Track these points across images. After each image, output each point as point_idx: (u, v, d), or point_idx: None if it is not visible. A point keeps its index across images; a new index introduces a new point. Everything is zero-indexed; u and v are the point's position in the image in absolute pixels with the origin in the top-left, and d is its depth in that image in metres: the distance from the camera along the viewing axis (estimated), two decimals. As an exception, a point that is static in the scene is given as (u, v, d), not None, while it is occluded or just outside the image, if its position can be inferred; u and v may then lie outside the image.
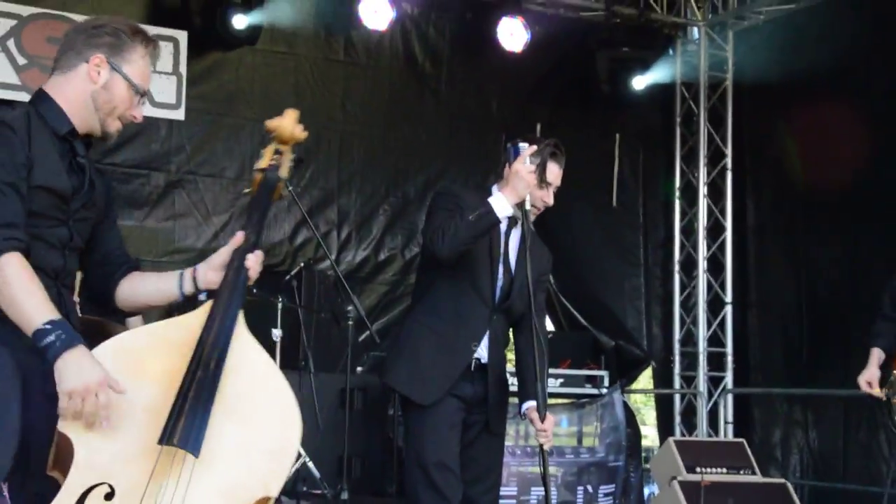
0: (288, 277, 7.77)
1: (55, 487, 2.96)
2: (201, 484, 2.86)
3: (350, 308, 7.94)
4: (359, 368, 8.37)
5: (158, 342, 3.10)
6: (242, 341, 3.14)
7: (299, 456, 7.24)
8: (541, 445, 4.75)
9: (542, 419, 4.71)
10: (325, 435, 7.68)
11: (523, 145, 4.65)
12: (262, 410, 3.09)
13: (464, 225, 4.56)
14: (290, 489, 7.20)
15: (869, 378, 6.00)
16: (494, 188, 4.87)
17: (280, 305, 7.40)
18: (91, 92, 3.24)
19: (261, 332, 7.22)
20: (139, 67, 3.32)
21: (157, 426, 2.85)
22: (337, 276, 8.48)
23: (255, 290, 7.17)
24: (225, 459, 2.92)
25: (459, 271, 4.83)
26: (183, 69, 8.16)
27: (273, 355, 7.10)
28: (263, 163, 3.49)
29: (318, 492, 7.32)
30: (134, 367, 3.01)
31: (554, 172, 4.89)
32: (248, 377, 3.10)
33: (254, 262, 3.27)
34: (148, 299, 3.48)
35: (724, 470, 7.50)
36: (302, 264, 8.19)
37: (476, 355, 4.84)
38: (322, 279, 8.69)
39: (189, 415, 2.84)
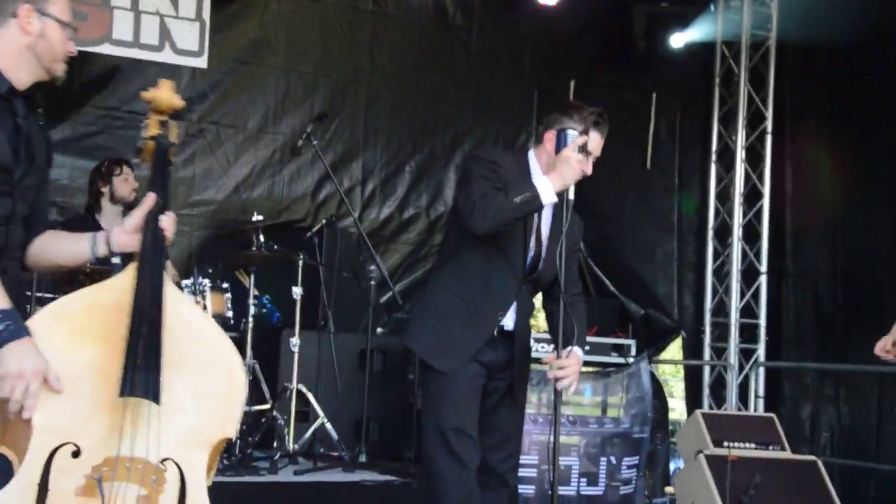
0: (309, 234, 7.82)
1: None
2: (163, 432, 3.07)
3: (372, 267, 7.99)
4: (379, 329, 8.39)
5: (93, 305, 3.26)
6: (173, 298, 3.35)
7: (310, 416, 7.47)
8: (555, 385, 4.76)
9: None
10: (343, 397, 7.84)
11: (573, 133, 4.66)
12: (205, 360, 3.32)
13: (508, 206, 4.60)
14: (306, 450, 7.34)
15: (884, 344, 5.95)
16: (531, 154, 4.97)
17: (301, 263, 7.38)
18: (27, 44, 3.30)
19: (281, 290, 7.34)
20: (61, 2, 3.37)
21: (108, 384, 3.02)
22: (360, 233, 8.57)
23: (275, 247, 7.32)
24: (180, 408, 3.14)
25: (490, 240, 4.88)
26: (206, 15, 8.16)
27: (293, 314, 7.40)
28: (152, 131, 3.59)
29: (336, 454, 7.38)
30: (75, 330, 3.19)
31: (596, 142, 4.89)
32: (185, 331, 3.30)
33: (168, 224, 3.42)
34: (58, 258, 3.59)
35: (753, 445, 7.36)
36: (324, 221, 8.19)
37: (501, 323, 4.91)
38: (344, 237, 8.68)
39: (142, 367, 3.00)
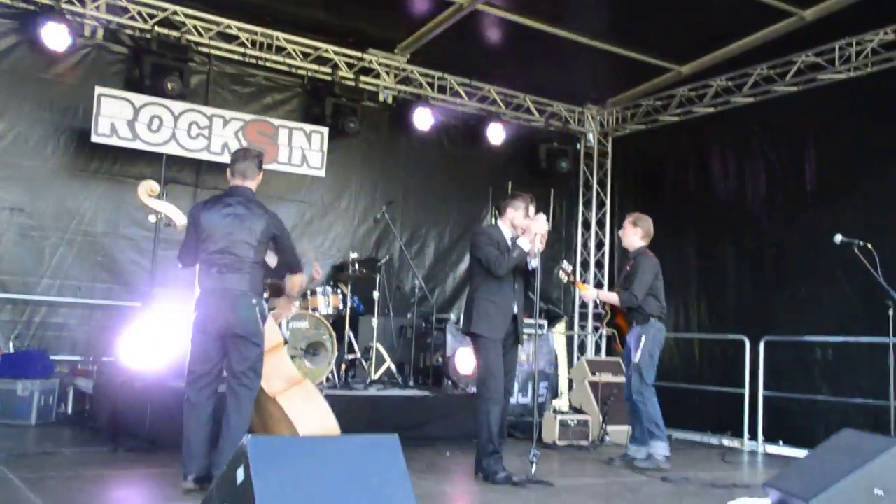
0: (380, 264, 7.84)
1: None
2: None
3: (416, 282, 8.30)
4: (409, 315, 8.45)
5: None
6: None
7: (381, 361, 7.74)
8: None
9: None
10: (396, 350, 8.06)
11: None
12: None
13: (512, 260, 5.24)
14: (379, 379, 7.56)
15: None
16: (500, 223, 5.49)
17: (378, 279, 7.71)
18: None
19: (364, 294, 7.88)
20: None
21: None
22: (409, 262, 8.76)
23: (363, 270, 7.66)
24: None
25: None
26: (325, 149, 8.31)
27: (372, 306, 7.70)
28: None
29: (395, 380, 7.57)
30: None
31: (532, 209, 5.45)
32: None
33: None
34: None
35: (610, 375, 7.85)
36: (387, 257, 8.32)
37: (514, 310, 5.38)
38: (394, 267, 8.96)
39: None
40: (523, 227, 5.39)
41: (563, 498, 4.73)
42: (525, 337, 5.60)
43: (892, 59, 7.70)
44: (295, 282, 4.91)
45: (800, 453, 6.96)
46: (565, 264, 6.35)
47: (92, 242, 7.63)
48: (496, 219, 8.69)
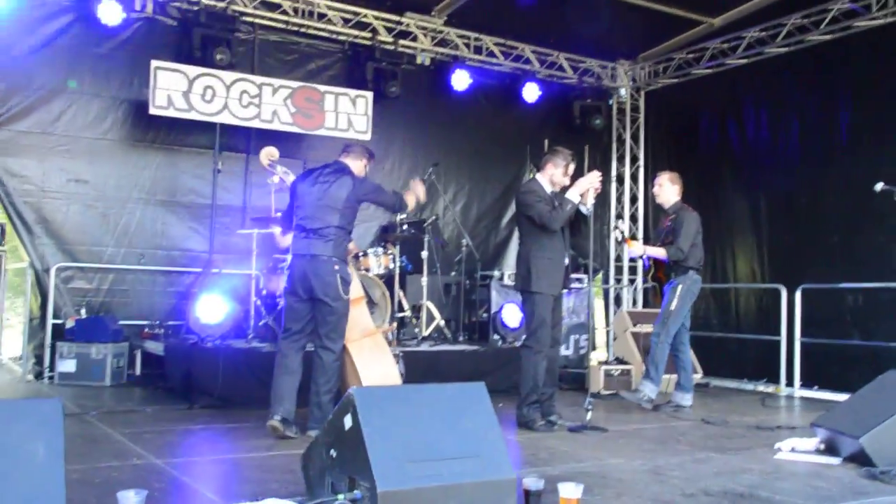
0: (427, 223, 8.01)
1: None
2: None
3: (464, 241, 8.38)
4: (453, 273, 8.62)
5: None
6: None
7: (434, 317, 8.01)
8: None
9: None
10: (444, 307, 8.25)
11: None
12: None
13: (564, 213, 5.35)
14: (430, 335, 7.80)
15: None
16: (539, 177, 5.60)
17: (426, 239, 7.86)
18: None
19: (413, 253, 8.09)
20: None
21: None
22: (458, 224, 9.06)
23: (412, 231, 7.97)
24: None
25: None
26: (370, 113, 8.45)
27: (420, 266, 7.86)
28: None
29: (446, 336, 7.89)
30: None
31: (571, 171, 5.55)
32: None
33: None
34: None
35: (651, 326, 7.43)
36: (434, 217, 8.45)
37: (566, 262, 5.51)
38: (441, 228, 9.07)
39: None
40: (561, 183, 5.55)
41: (620, 442, 5.01)
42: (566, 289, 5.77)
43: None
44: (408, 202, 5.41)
45: (834, 397, 7.31)
46: (621, 223, 6.57)
47: (152, 211, 7.92)
48: (534, 174, 8.92)
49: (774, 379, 8.08)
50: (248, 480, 3.73)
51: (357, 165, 5.09)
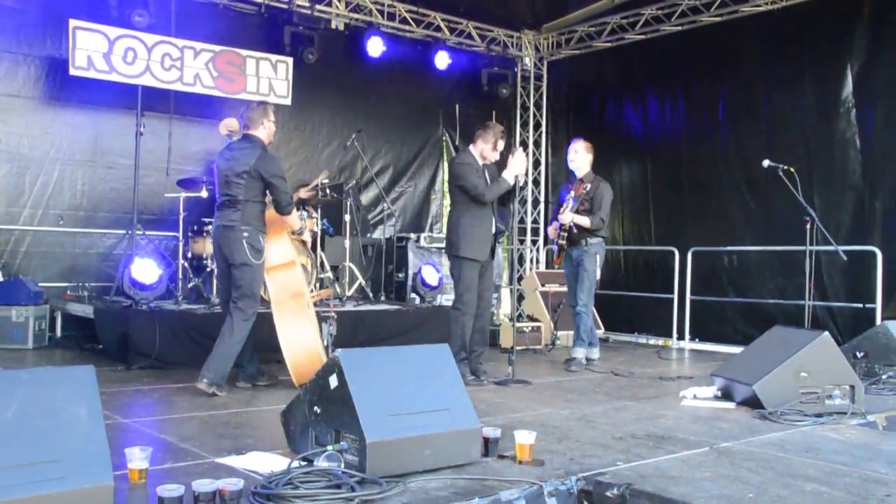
0: (348, 188, 8.49)
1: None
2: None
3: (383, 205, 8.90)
4: (368, 235, 9.09)
5: None
6: None
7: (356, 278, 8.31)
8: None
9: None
10: (365, 268, 8.71)
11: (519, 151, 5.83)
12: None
13: (498, 190, 5.77)
14: (353, 295, 8.19)
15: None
16: (472, 149, 5.93)
17: (347, 203, 8.21)
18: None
19: (332, 217, 8.32)
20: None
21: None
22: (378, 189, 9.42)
23: (334, 195, 8.26)
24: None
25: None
26: (290, 78, 8.58)
27: (342, 228, 8.21)
28: None
29: (368, 297, 8.26)
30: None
31: (500, 146, 5.99)
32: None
33: None
34: None
35: (557, 285, 8.51)
36: (353, 182, 8.93)
37: (492, 231, 5.88)
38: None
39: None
40: (490, 158, 5.94)
41: (546, 394, 5.54)
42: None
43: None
44: (288, 221, 5.50)
45: (715, 348, 8.33)
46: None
47: (71, 171, 7.82)
48: (451, 142, 9.23)
49: (664, 333, 8.83)
50: (222, 436, 4.00)
51: (262, 132, 5.35)
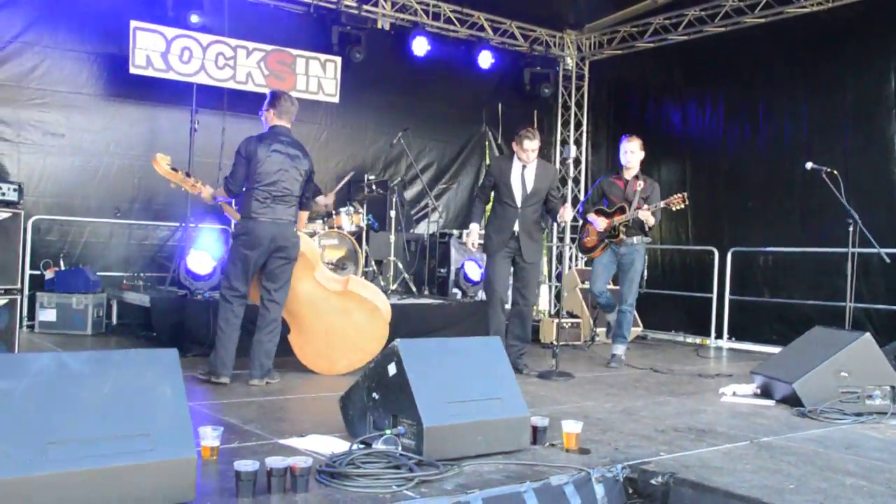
0: (394, 184, 8.52)
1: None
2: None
3: (427, 201, 8.99)
4: (411, 230, 9.26)
5: None
6: None
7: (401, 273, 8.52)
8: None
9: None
10: (409, 263, 8.90)
11: None
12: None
13: (473, 209, 6.38)
14: (395, 290, 8.33)
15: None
16: (515, 155, 6.06)
17: (394, 199, 8.37)
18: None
19: (379, 212, 8.52)
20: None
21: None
22: (424, 185, 9.49)
23: (380, 191, 8.47)
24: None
25: (499, 193, 6.12)
26: (339, 77, 8.81)
27: (387, 223, 8.42)
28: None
29: (411, 291, 8.31)
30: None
31: (526, 147, 5.96)
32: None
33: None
34: None
35: None
36: (399, 178, 9.00)
37: (514, 229, 6.02)
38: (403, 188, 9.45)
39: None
40: (525, 160, 6.11)
41: (587, 388, 5.69)
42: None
43: (849, -5, 8.46)
44: (319, 202, 5.93)
45: (753, 347, 8.39)
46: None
47: (129, 166, 8.12)
48: (493, 140, 9.37)
49: (701, 332, 8.92)
50: (281, 420, 4.21)
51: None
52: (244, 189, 5.18)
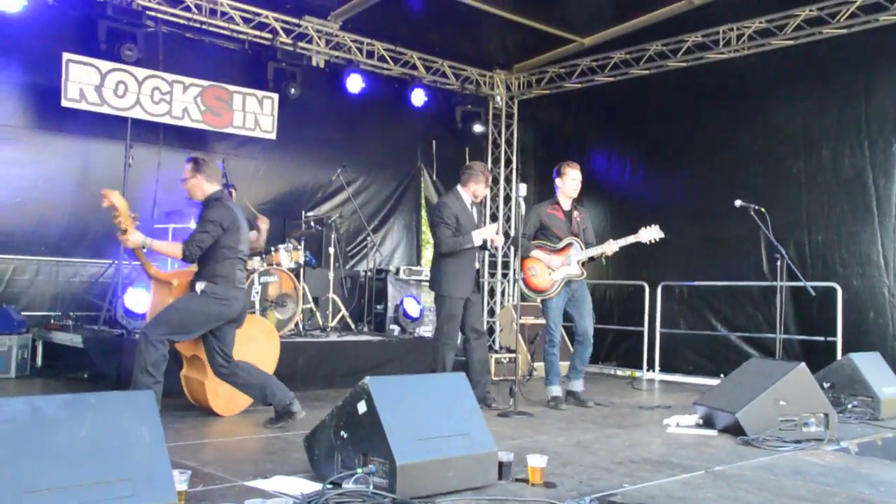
0: (331, 220, 8.62)
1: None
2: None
3: (366, 238, 9.06)
4: (347, 266, 9.26)
5: None
6: None
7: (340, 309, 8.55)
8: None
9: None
10: (345, 302, 8.85)
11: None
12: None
13: (456, 245, 6.01)
14: (334, 327, 8.37)
15: None
16: (460, 189, 6.16)
17: (332, 236, 8.51)
18: None
19: (314, 249, 8.46)
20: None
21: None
22: (361, 217, 9.51)
23: (318, 228, 8.51)
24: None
25: (460, 231, 6.06)
26: (276, 112, 8.81)
27: (324, 260, 8.46)
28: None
29: (352, 328, 8.49)
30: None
31: (489, 183, 6.33)
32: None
33: None
34: None
35: (534, 318, 8.80)
36: (339, 214, 9.07)
37: (476, 265, 6.12)
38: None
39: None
40: (483, 195, 6.26)
41: (535, 422, 5.74)
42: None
43: (763, 44, 8.97)
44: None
45: (682, 378, 8.68)
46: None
47: (60, 201, 7.84)
48: (429, 177, 9.46)
49: (630, 364, 9.14)
50: (241, 461, 4.13)
51: None
52: (222, 257, 4.99)
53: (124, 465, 2.61)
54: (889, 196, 7.74)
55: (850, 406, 6.09)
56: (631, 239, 6.32)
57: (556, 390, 6.41)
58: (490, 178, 6.26)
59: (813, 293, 6.82)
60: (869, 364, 6.33)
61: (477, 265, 6.19)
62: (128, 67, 7.75)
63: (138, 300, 6.78)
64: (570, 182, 6.44)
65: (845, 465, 4.43)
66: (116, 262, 7.46)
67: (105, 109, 7.63)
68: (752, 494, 3.66)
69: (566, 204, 6.48)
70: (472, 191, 6.16)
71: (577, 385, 6.55)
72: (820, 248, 8.19)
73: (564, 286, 6.36)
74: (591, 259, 6.45)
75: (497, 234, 6.10)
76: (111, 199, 4.68)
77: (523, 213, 6.30)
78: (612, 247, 6.26)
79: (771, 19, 8.86)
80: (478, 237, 5.99)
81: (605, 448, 4.76)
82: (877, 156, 7.86)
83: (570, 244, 6.40)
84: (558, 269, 6.30)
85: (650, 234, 6.34)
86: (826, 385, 6.28)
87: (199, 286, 4.97)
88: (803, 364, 5.26)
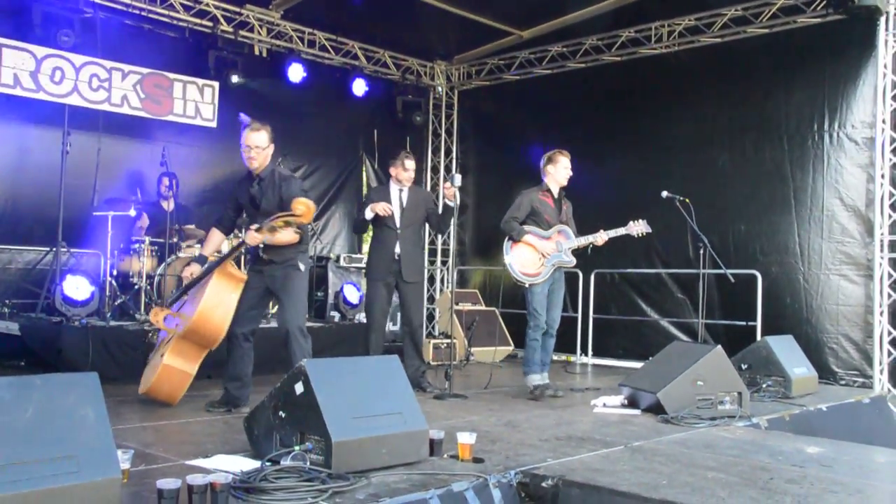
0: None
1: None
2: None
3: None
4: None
5: None
6: None
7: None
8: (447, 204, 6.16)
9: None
10: None
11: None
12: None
13: (357, 220, 6.55)
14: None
15: None
16: (391, 181, 6.40)
17: None
18: None
19: None
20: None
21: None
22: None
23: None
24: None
25: (378, 219, 6.32)
26: (217, 101, 8.86)
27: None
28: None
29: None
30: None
31: (408, 166, 6.32)
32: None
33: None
34: None
35: (471, 304, 9.22)
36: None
37: (395, 251, 6.22)
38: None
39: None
40: (407, 179, 6.44)
41: (469, 404, 6.00)
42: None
43: (693, 41, 9.32)
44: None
45: (612, 362, 9.07)
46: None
47: (-6, 187, 7.77)
48: (371, 167, 9.56)
49: (564, 349, 9.43)
50: (182, 442, 4.27)
51: None
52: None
53: (69, 444, 2.74)
54: (805, 188, 8.17)
55: (764, 385, 6.48)
56: (621, 231, 6.33)
57: (537, 378, 6.35)
58: (407, 160, 6.40)
59: (733, 280, 7.17)
60: (782, 346, 6.74)
61: (397, 251, 6.25)
62: (65, 53, 7.70)
63: (77, 286, 6.79)
64: (562, 170, 6.43)
65: (752, 438, 4.77)
66: (55, 249, 7.42)
67: (41, 96, 7.58)
68: (664, 466, 3.94)
69: (556, 191, 6.47)
70: (395, 175, 6.42)
71: (545, 377, 6.54)
72: (743, 237, 8.58)
73: (551, 273, 6.30)
74: (578, 248, 6.43)
75: (384, 211, 6.25)
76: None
77: (453, 205, 6.34)
78: (602, 237, 6.26)
79: (700, 17, 9.22)
80: (369, 212, 6.21)
81: (533, 427, 5.02)
82: (794, 150, 8.27)
83: (560, 231, 6.40)
84: (550, 255, 6.25)
85: (639, 227, 6.41)
86: (744, 366, 6.67)
87: (302, 265, 5.18)
88: (719, 347, 5.60)
